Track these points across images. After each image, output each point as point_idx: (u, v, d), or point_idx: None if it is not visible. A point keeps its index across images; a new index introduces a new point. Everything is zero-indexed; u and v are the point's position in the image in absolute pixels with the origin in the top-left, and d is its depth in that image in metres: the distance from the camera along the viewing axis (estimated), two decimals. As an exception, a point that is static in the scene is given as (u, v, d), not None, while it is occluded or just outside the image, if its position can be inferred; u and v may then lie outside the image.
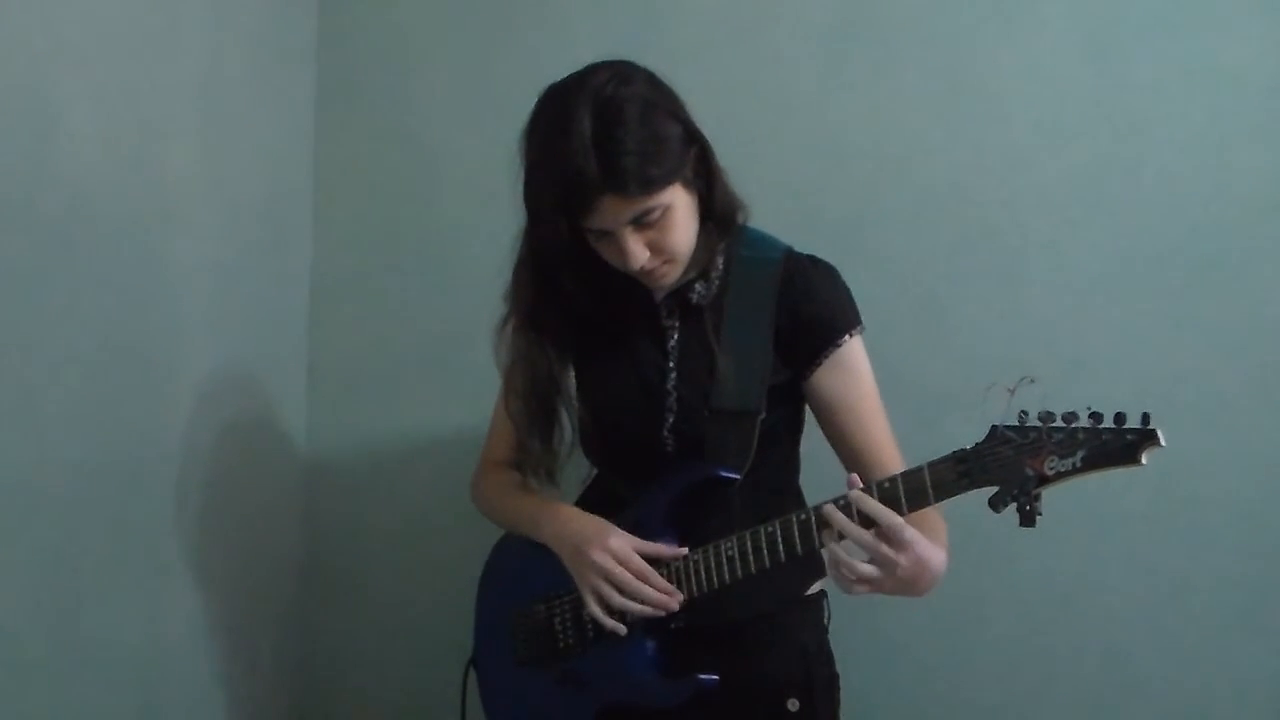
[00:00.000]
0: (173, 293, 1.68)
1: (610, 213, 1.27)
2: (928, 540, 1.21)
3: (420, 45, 2.05)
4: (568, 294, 1.40)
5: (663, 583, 1.34)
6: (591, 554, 1.36)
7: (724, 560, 1.32)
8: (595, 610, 1.37)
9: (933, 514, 1.27)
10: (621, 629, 1.36)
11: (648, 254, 1.31)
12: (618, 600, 1.35)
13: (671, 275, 1.37)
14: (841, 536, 1.22)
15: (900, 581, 1.21)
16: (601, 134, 1.24)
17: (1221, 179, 1.77)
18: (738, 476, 1.36)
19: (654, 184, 1.26)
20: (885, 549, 1.19)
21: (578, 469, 1.53)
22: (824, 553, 1.26)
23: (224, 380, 1.82)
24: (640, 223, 1.29)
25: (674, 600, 1.34)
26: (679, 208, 1.31)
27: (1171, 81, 1.78)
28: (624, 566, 1.35)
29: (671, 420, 1.40)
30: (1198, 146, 1.78)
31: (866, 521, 1.21)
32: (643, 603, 1.34)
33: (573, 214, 1.28)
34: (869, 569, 1.20)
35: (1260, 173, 1.76)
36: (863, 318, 1.44)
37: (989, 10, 1.85)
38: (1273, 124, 1.76)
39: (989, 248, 1.84)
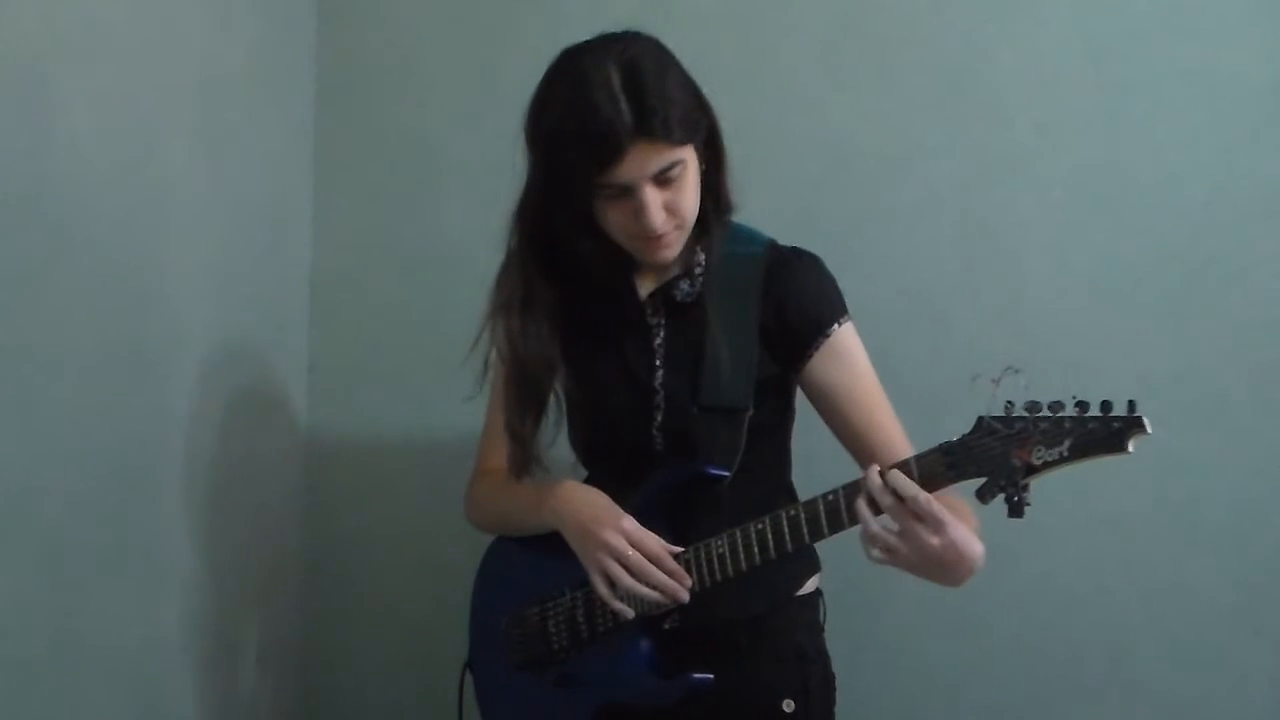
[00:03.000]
0: (173, 292, 1.67)
1: (638, 162, 1.26)
2: (966, 529, 1.20)
3: (420, 45, 2.05)
4: (560, 279, 1.40)
5: (674, 566, 1.33)
6: (603, 534, 1.34)
7: (714, 558, 1.32)
8: (603, 591, 1.35)
9: (965, 507, 1.25)
10: (629, 612, 1.34)
11: (665, 215, 1.31)
12: (628, 582, 1.33)
13: (676, 246, 1.36)
14: (876, 511, 1.20)
15: (931, 565, 1.20)
16: (629, 81, 1.25)
17: (1221, 180, 1.77)
18: (727, 474, 1.36)
19: (678, 132, 1.27)
20: (918, 528, 1.17)
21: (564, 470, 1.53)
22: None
23: (224, 380, 1.82)
24: (662, 178, 1.29)
25: (683, 591, 1.32)
26: (691, 170, 1.32)
27: (1171, 82, 1.79)
28: (637, 549, 1.33)
29: (660, 419, 1.40)
30: (1198, 147, 1.78)
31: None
32: (653, 587, 1.32)
33: (603, 164, 1.26)
34: (894, 540, 1.19)
35: (1260, 174, 1.76)
36: (862, 317, 1.43)
37: (989, 10, 1.85)
38: (1273, 125, 1.76)
39: (989, 248, 1.84)
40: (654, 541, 1.34)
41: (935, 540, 1.17)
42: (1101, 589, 1.80)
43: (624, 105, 1.24)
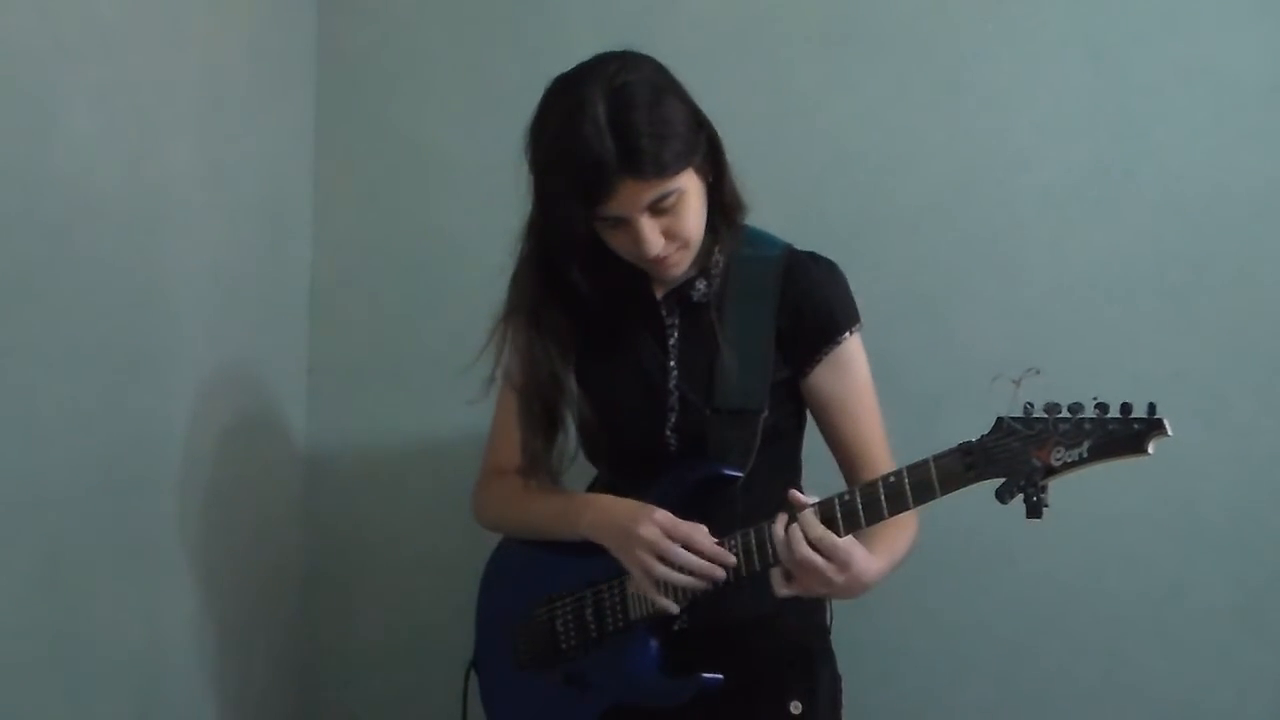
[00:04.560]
0: (173, 293, 1.67)
1: (628, 198, 1.26)
2: (864, 551, 1.25)
3: (420, 45, 2.05)
4: (573, 290, 1.39)
5: (712, 547, 1.32)
6: (638, 529, 1.33)
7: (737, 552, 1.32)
8: (646, 586, 1.34)
9: (904, 517, 1.28)
10: (674, 607, 1.33)
11: (663, 241, 1.31)
12: (661, 571, 1.32)
13: (683, 264, 1.37)
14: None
15: (831, 594, 1.28)
16: (616, 118, 1.24)
17: (1221, 179, 1.77)
18: (740, 475, 1.36)
19: (670, 166, 1.26)
20: (824, 565, 1.22)
21: (579, 472, 1.53)
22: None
23: (224, 380, 1.82)
24: (656, 208, 1.29)
25: (720, 571, 1.31)
26: (691, 193, 1.31)
27: (1171, 82, 1.79)
28: (671, 537, 1.32)
29: (674, 419, 1.40)
30: (1198, 147, 1.78)
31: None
32: (690, 572, 1.31)
33: (591, 201, 1.26)
34: (806, 579, 1.25)
35: (1260, 173, 1.76)
36: (863, 318, 1.44)
37: (989, 10, 1.85)
38: (1273, 124, 1.76)
39: (989, 248, 1.84)
40: (687, 525, 1.33)
41: (841, 578, 1.23)
42: (1101, 589, 1.80)
43: (610, 144, 1.23)
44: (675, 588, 1.33)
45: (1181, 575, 1.78)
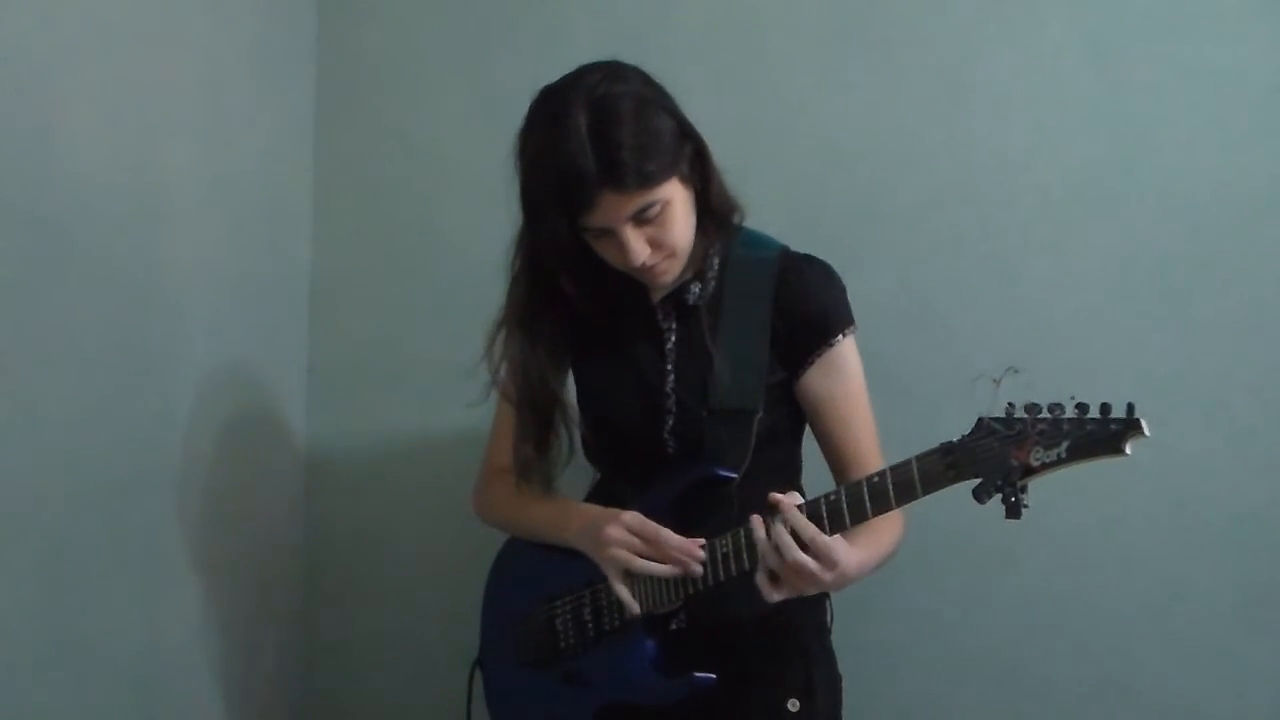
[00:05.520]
0: (173, 293, 1.68)
1: (610, 209, 1.27)
2: (845, 545, 1.24)
3: (420, 45, 2.05)
4: (565, 297, 1.40)
5: (678, 540, 1.33)
6: (607, 529, 1.35)
7: (718, 558, 1.32)
8: (617, 586, 1.35)
9: (885, 522, 1.29)
10: (635, 606, 1.35)
11: (649, 250, 1.31)
12: (638, 564, 1.33)
13: (672, 272, 1.37)
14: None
15: (818, 589, 1.26)
16: (597, 130, 1.25)
17: (1221, 179, 1.77)
18: (735, 476, 1.37)
19: (651, 178, 1.27)
20: (814, 566, 1.22)
21: (575, 474, 1.53)
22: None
23: (224, 380, 1.82)
24: (640, 219, 1.29)
25: (693, 563, 1.31)
26: (677, 203, 1.32)
27: (1171, 82, 1.78)
28: (638, 535, 1.34)
29: (671, 422, 1.41)
30: (1198, 147, 1.78)
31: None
32: (661, 561, 1.32)
33: (573, 212, 1.28)
34: (788, 573, 1.24)
35: (1260, 173, 1.75)
36: (862, 318, 1.44)
37: (989, 10, 1.85)
38: (1273, 124, 1.76)
39: (989, 248, 1.84)
40: (653, 524, 1.34)
41: (829, 576, 1.22)
42: (1101, 589, 1.80)
43: (591, 157, 1.24)
44: (665, 589, 1.34)
45: (1181, 575, 1.78)
